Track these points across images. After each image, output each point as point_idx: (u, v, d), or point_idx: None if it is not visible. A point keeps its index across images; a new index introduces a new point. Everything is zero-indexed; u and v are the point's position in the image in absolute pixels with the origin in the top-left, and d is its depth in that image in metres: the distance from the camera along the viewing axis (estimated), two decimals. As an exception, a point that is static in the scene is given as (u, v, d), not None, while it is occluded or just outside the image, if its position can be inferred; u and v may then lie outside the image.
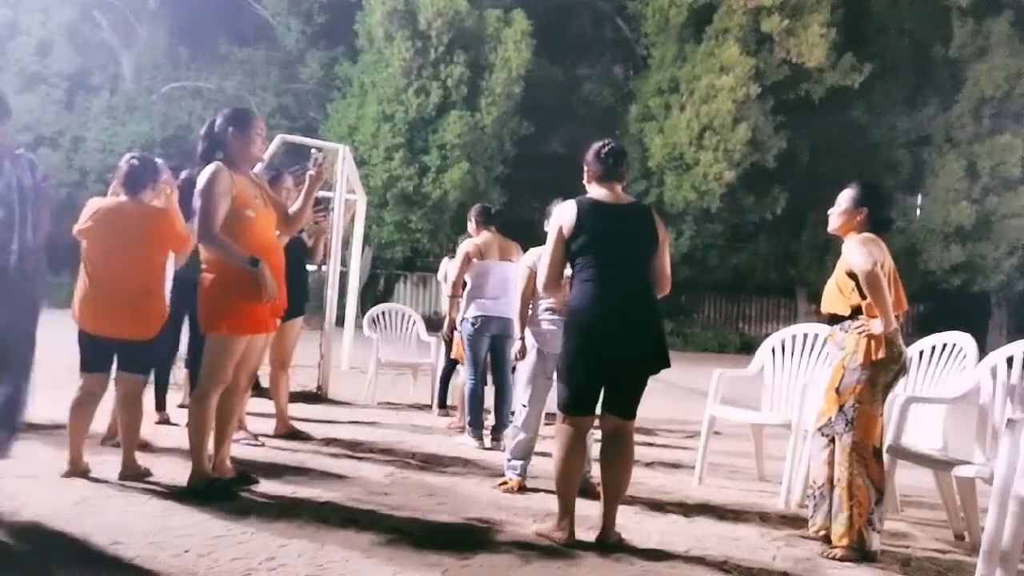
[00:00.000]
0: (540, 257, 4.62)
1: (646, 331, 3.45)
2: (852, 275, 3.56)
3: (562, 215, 3.52)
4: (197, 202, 3.77)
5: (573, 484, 3.51)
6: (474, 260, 5.66)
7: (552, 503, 3.63)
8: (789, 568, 3.35)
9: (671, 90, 18.50)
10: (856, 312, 3.59)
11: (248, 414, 5.56)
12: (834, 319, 3.70)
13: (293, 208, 4.14)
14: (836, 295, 3.67)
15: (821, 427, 3.64)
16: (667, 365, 3.50)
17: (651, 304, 3.51)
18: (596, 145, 3.71)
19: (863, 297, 3.54)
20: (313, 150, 4.13)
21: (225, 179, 3.78)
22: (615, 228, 3.49)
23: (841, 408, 3.54)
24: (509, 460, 4.47)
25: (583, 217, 3.47)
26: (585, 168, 3.69)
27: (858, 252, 3.52)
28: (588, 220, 3.46)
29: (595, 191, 3.62)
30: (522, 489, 4.36)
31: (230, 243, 3.76)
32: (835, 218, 3.75)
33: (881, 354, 3.48)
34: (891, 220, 3.88)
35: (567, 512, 3.48)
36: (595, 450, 3.92)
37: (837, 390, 3.57)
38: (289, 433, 5.45)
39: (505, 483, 4.39)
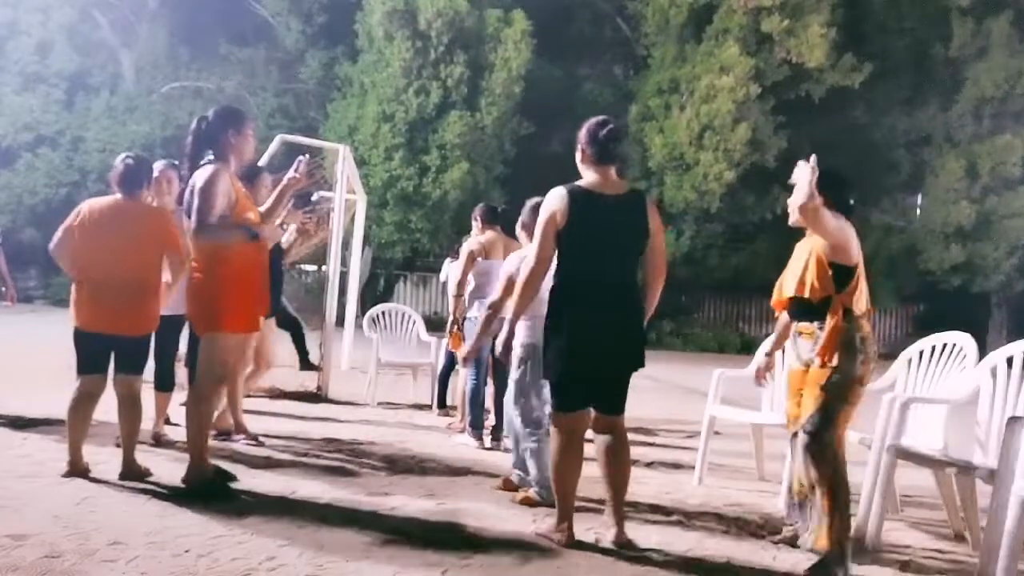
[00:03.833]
0: (524, 260, 4.63)
1: (625, 330, 3.42)
2: (832, 264, 3.35)
3: (554, 206, 3.41)
4: (195, 200, 3.77)
5: (571, 485, 3.48)
6: (478, 259, 5.65)
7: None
8: (789, 569, 3.34)
9: (671, 90, 18.49)
10: (824, 302, 3.35)
11: (247, 413, 5.57)
12: (798, 308, 3.46)
13: (263, 208, 4.17)
14: (805, 280, 3.39)
15: (806, 426, 3.41)
16: (641, 365, 3.47)
17: (632, 303, 3.46)
18: (592, 125, 3.51)
19: (839, 288, 3.33)
20: (300, 157, 4.14)
21: (226, 180, 3.83)
22: (604, 225, 3.40)
23: (825, 407, 3.33)
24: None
25: (575, 210, 3.37)
26: (579, 149, 3.53)
27: (829, 220, 3.27)
28: (579, 214, 3.37)
29: (588, 176, 3.50)
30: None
31: (224, 225, 3.76)
32: (792, 209, 3.46)
33: (861, 355, 3.30)
34: (851, 204, 3.49)
35: (566, 514, 3.47)
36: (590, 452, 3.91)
37: (824, 388, 3.33)
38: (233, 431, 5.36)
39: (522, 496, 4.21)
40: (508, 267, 4.77)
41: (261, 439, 5.21)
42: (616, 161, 3.52)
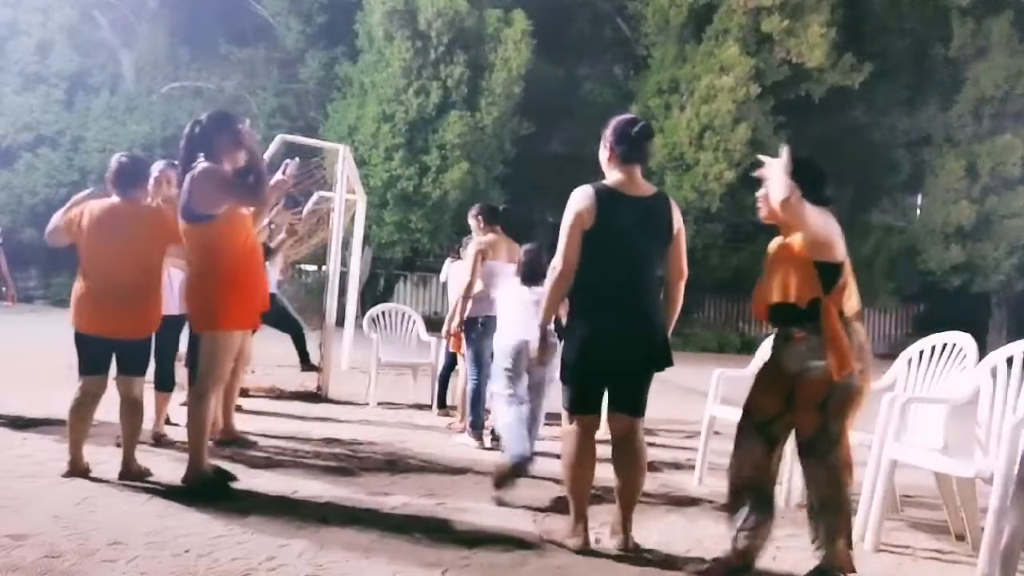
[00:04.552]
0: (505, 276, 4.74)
1: (647, 331, 3.39)
2: (816, 263, 3.07)
3: (580, 205, 3.31)
4: (214, 190, 3.77)
5: (584, 487, 3.43)
6: (486, 259, 5.64)
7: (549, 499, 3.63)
8: (789, 569, 3.34)
9: (671, 90, 18.49)
10: (812, 306, 3.06)
11: (247, 413, 5.57)
12: (784, 315, 3.17)
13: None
14: (789, 284, 3.11)
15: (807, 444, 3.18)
16: (670, 363, 3.42)
17: (652, 304, 3.44)
18: (621, 123, 3.41)
19: (826, 289, 3.05)
20: (287, 160, 4.15)
21: (219, 173, 3.84)
22: (629, 228, 3.33)
23: (825, 427, 3.08)
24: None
25: (601, 210, 3.30)
26: (607, 148, 3.43)
27: (812, 214, 2.97)
28: (605, 213, 3.30)
29: (613, 175, 3.41)
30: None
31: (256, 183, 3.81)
32: (764, 203, 3.21)
33: (860, 365, 3.05)
34: (827, 197, 3.14)
35: (580, 517, 3.42)
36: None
37: (821, 406, 3.06)
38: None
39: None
40: (495, 292, 4.89)
41: (252, 439, 5.19)
42: (643, 160, 3.45)
